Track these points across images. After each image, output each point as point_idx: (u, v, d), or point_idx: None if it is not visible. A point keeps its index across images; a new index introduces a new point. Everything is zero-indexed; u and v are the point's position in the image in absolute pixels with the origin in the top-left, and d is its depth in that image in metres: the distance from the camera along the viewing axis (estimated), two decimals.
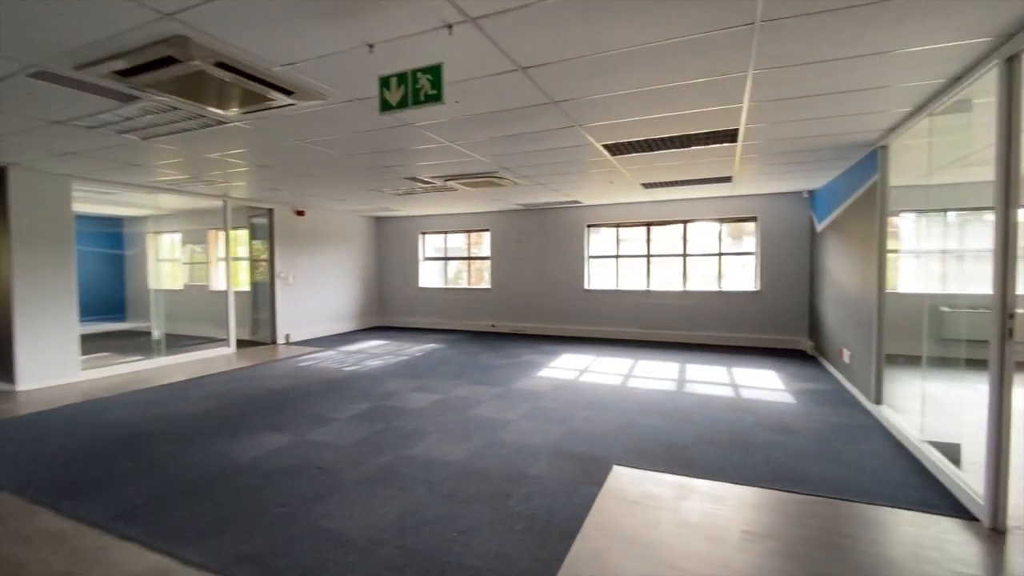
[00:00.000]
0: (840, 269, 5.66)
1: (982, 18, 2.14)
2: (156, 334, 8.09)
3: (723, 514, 2.60)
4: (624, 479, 3.03)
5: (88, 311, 10.01)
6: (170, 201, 8.31)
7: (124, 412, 4.54)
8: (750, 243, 8.06)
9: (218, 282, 9.55)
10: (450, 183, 6.06)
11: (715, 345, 7.83)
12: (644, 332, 8.44)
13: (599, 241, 9.09)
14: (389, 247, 10.64)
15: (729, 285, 8.15)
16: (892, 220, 4.33)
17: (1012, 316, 2.37)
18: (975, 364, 3.55)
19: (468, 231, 10.04)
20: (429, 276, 10.58)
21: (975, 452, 2.87)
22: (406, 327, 10.32)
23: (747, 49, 2.42)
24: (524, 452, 3.45)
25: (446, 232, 10.25)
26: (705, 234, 8.32)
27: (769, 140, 4.23)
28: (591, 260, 9.03)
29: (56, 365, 5.65)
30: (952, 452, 3.08)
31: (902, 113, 3.50)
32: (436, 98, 2.20)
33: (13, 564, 2.24)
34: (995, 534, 2.37)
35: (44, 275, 5.56)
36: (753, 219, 7.86)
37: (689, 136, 4.04)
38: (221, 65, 2.58)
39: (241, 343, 8.26)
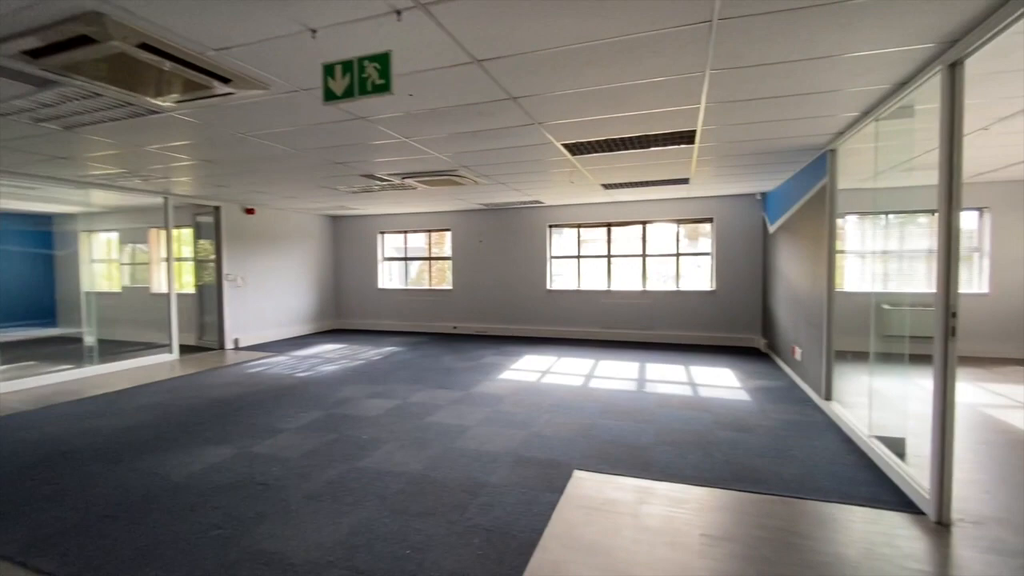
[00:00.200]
0: (791, 269, 5.82)
1: (927, 24, 2.19)
2: (89, 340, 7.50)
3: (683, 517, 2.58)
4: (585, 485, 2.97)
5: (11, 316, 9.22)
6: (106, 197, 7.74)
7: (47, 428, 4.15)
8: (706, 244, 8.23)
9: (160, 284, 8.97)
10: (408, 181, 5.88)
11: (673, 344, 7.95)
12: (605, 332, 8.49)
13: (561, 241, 9.09)
14: (346, 247, 10.30)
15: (686, 285, 8.31)
16: (838, 222, 4.48)
17: (955, 315, 2.44)
18: (917, 359, 3.69)
19: (429, 231, 9.84)
20: (389, 277, 10.32)
21: (918, 446, 2.97)
22: (365, 330, 10.01)
23: (704, 48, 2.40)
24: (483, 460, 3.34)
25: (406, 232, 10.01)
26: (663, 235, 8.45)
27: (725, 142, 4.29)
28: (553, 260, 9.01)
29: None
30: (897, 446, 3.19)
31: (850, 117, 3.60)
32: (384, 88, 2.06)
33: None
34: (941, 527, 2.44)
35: None
36: (709, 220, 8.03)
37: (648, 137, 4.04)
38: (146, 47, 2.35)
39: (186, 349, 7.78)
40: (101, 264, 9.91)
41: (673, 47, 2.39)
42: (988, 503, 2.69)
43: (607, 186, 6.51)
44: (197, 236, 8.36)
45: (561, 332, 8.75)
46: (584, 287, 8.79)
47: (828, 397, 4.44)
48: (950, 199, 2.44)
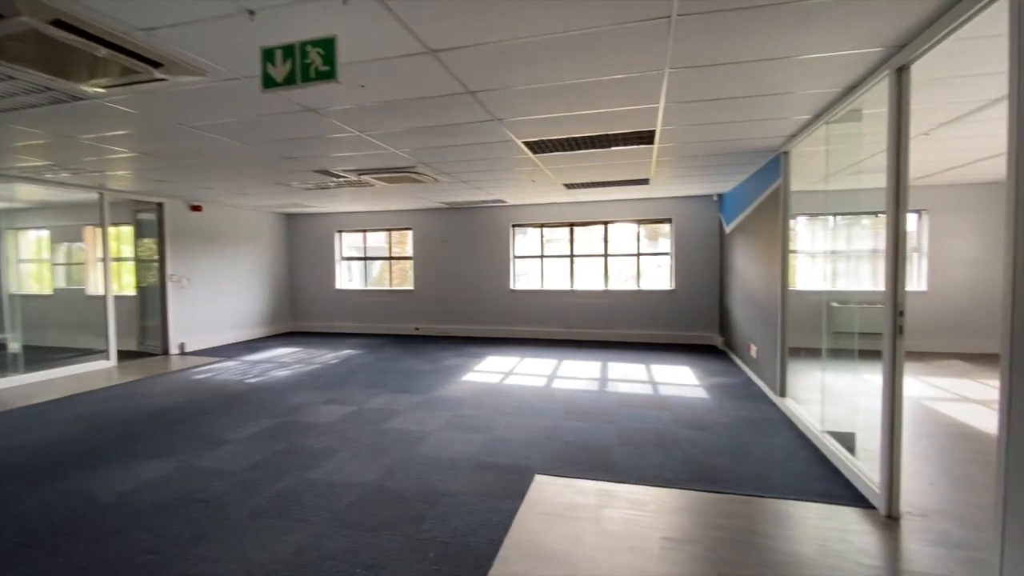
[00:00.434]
0: (747, 268, 5.96)
1: (876, 29, 2.23)
2: (13, 347, 6.91)
3: (644, 521, 2.54)
4: (546, 489, 2.90)
5: None
6: (32, 192, 7.15)
7: None
8: (666, 244, 8.37)
9: (97, 286, 8.38)
10: (365, 178, 5.68)
11: (635, 342, 8.03)
12: (568, 331, 8.49)
13: (526, 241, 9.04)
14: (302, 246, 9.92)
15: (647, 284, 8.42)
16: (791, 223, 4.59)
17: (902, 313, 2.51)
18: (865, 355, 3.81)
19: (389, 229, 9.60)
20: (348, 278, 10.00)
21: (867, 439, 3.05)
22: (322, 332, 9.67)
23: (664, 45, 2.37)
24: (442, 467, 3.23)
25: (365, 230, 9.72)
26: (625, 235, 8.53)
27: (683, 143, 4.32)
28: (517, 260, 8.95)
29: None
30: (848, 441, 3.27)
31: (802, 120, 3.68)
32: (329, 75, 1.92)
33: None
34: (891, 521, 2.50)
35: None
36: (668, 221, 8.16)
37: (609, 136, 4.02)
38: (61, 25, 2.13)
39: (125, 355, 7.29)
40: (30, 264, 9.17)
41: (632, 43, 2.34)
42: (932, 496, 2.78)
43: (569, 186, 6.50)
44: (138, 234, 7.85)
45: (525, 332, 8.70)
46: (547, 287, 8.77)
47: (783, 393, 4.55)
48: (897, 201, 2.50)
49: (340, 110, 3.32)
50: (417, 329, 9.26)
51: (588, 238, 8.76)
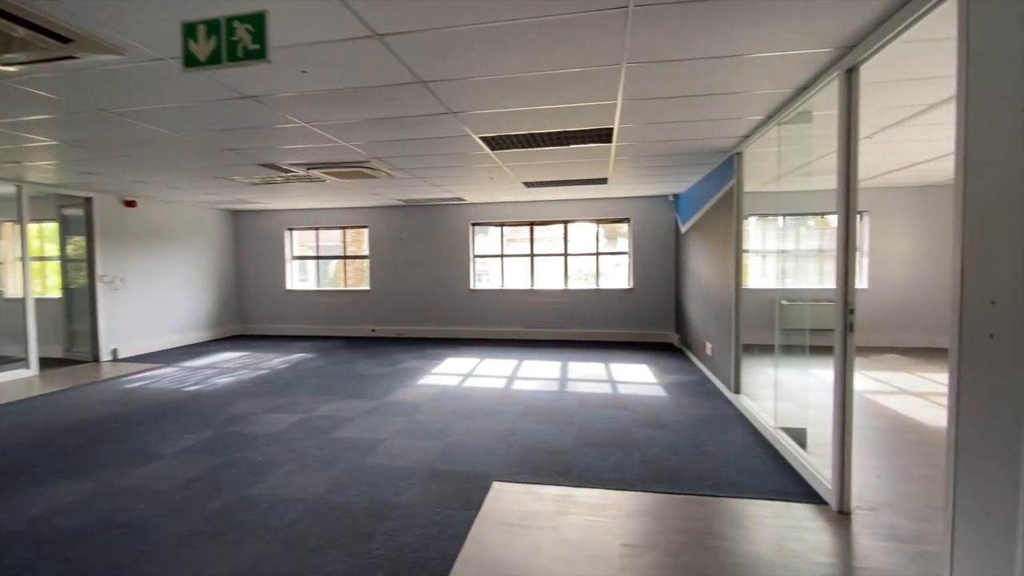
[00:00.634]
0: (702, 268, 6.06)
1: (828, 28, 2.24)
2: None
3: (604, 527, 2.48)
4: (504, 497, 2.80)
5: None
6: None
7: None
8: (624, 244, 8.44)
9: (16, 287, 7.66)
10: (315, 173, 5.41)
11: (594, 341, 8.06)
12: (528, 331, 8.43)
13: (486, 241, 8.92)
14: (250, 245, 9.42)
15: (606, 283, 8.47)
16: (745, 222, 4.68)
17: (852, 311, 2.54)
18: (816, 351, 3.91)
19: (344, 227, 9.25)
20: (299, 277, 9.58)
21: (818, 434, 3.11)
22: (272, 335, 9.22)
23: (621, 36, 2.30)
24: (394, 477, 3.06)
25: (318, 228, 9.33)
26: (584, 234, 8.55)
27: (640, 142, 4.31)
28: (477, 259, 8.82)
29: None
30: (799, 436, 3.33)
31: (755, 121, 3.73)
32: (259, 55, 1.74)
33: None
34: (842, 517, 2.53)
35: None
36: (626, 220, 8.23)
37: (567, 133, 3.96)
38: None
39: (48, 363, 6.69)
40: None
41: (590, 34, 2.27)
42: (880, 489, 2.85)
43: (529, 184, 6.42)
44: (65, 232, 7.23)
45: (485, 332, 8.58)
46: (508, 287, 8.68)
47: (737, 390, 4.63)
48: (847, 201, 2.54)
49: (282, 98, 3.09)
50: (373, 331, 8.97)
51: (548, 237, 8.74)
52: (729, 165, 4.82)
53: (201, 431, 3.97)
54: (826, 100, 2.89)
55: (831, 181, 2.70)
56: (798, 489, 2.85)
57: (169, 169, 5.33)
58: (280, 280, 9.30)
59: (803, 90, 3.00)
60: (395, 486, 2.93)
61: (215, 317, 8.95)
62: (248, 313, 9.46)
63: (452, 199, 7.89)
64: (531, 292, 8.46)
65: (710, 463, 3.25)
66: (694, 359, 6.51)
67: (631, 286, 8.16)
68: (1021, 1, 1.41)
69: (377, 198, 7.71)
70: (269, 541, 2.38)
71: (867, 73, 2.56)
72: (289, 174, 5.51)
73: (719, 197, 5.25)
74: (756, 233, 7.54)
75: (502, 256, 8.80)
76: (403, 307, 8.87)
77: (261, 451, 3.53)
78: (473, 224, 8.65)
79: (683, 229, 7.37)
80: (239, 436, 3.85)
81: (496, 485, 2.94)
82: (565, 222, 8.40)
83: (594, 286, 8.43)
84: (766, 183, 4.75)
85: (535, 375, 5.79)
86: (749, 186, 4.59)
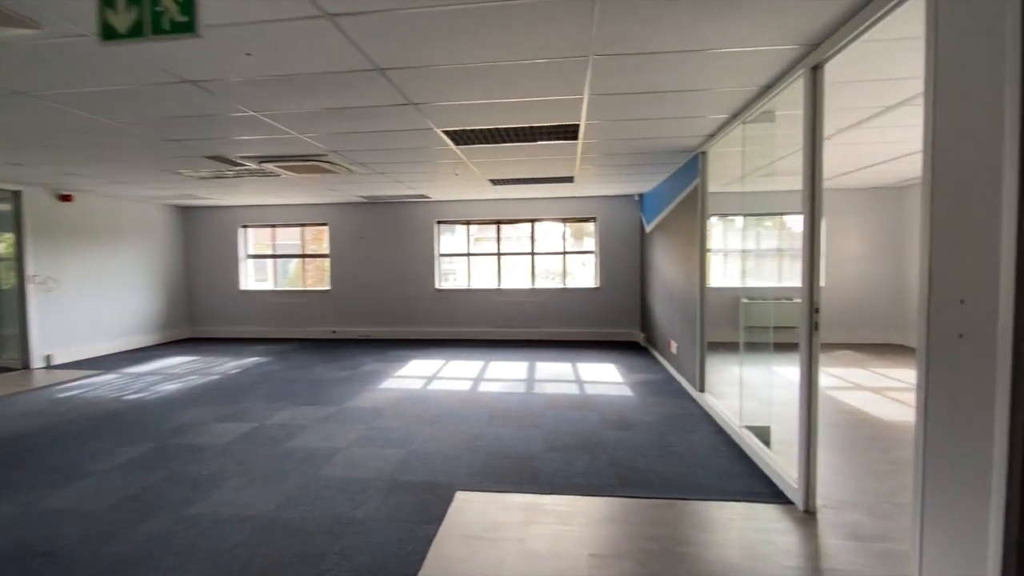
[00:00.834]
0: (667, 267, 6.09)
1: (795, 24, 2.21)
2: None
3: (572, 536, 2.39)
4: (468, 508, 2.67)
5: None
6: None
7: None
8: (590, 243, 8.44)
9: None
10: (268, 166, 5.12)
11: (561, 340, 8.02)
12: (496, 331, 8.31)
13: (453, 240, 8.74)
14: (201, 243, 8.93)
15: (573, 283, 8.44)
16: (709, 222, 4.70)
17: (817, 311, 2.54)
18: (779, 348, 3.94)
19: (302, 225, 8.88)
20: (255, 277, 9.15)
21: (781, 431, 3.13)
22: (225, 338, 8.76)
23: (588, 25, 2.21)
24: (351, 490, 2.89)
25: (274, 225, 8.93)
26: (551, 233, 8.50)
27: (607, 139, 4.26)
28: (442, 258, 8.63)
29: None
30: (764, 435, 3.34)
31: (720, 120, 3.72)
32: (187, 28, 1.55)
33: None
34: (808, 517, 2.53)
35: None
36: (592, 220, 8.22)
37: (534, 129, 3.85)
38: None
39: None
40: None
41: (556, 20, 2.16)
42: (842, 486, 2.87)
43: (495, 182, 6.30)
44: None
45: (450, 333, 8.41)
46: (475, 286, 8.53)
47: (702, 389, 4.64)
48: (813, 201, 2.53)
49: (226, 84, 2.86)
50: (334, 332, 8.65)
51: (516, 236, 8.65)
52: (694, 165, 4.83)
53: (140, 444, 3.68)
54: (790, 99, 2.89)
55: (794, 182, 2.70)
56: (764, 489, 2.84)
57: (107, 161, 4.94)
58: (234, 280, 8.85)
59: (768, 88, 2.99)
60: (352, 499, 2.76)
61: (163, 319, 8.43)
62: (199, 315, 8.97)
63: (416, 196, 7.68)
64: (498, 291, 8.35)
65: (677, 464, 3.21)
66: (659, 358, 6.54)
67: (598, 285, 8.16)
68: None
69: (337, 194, 7.43)
70: (209, 567, 2.17)
71: (828, 73, 2.56)
72: (240, 167, 5.21)
73: (683, 197, 5.27)
74: (720, 232, 7.68)
75: (468, 255, 8.65)
76: (365, 308, 8.59)
77: (206, 465, 3.28)
78: (438, 222, 8.47)
79: (648, 228, 7.40)
80: (183, 448, 3.57)
81: (460, 495, 2.80)
82: (532, 221, 8.32)
83: (561, 285, 8.39)
84: (729, 183, 4.79)
85: (502, 376, 5.68)
86: (713, 186, 4.61)
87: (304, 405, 4.61)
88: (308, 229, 8.95)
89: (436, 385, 5.33)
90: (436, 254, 8.48)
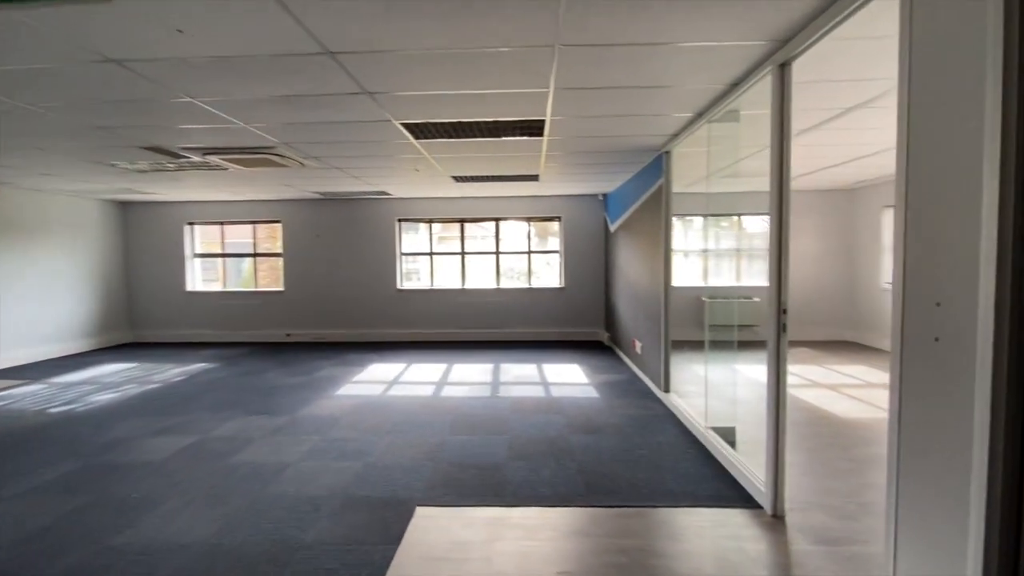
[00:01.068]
0: (631, 267, 6.07)
1: (762, 18, 2.15)
2: None
3: (539, 552, 2.26)
4: (429, 525, 2.50)
5: None
6: None
7: None
8: (555, 242, 8.37)
9: None
10: (213, 159, 4.77)
11: (526, 341, 7.92)
12: (460, 332, 8.13)
13: (416, 239, 8.49)
14: (142, 241, 8.33)
15: (538, 282, 8.36)
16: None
17: (785, 311, 2.51)
18: (743, 346, 3.95)
19: (254, 222, 8.43)
20: (202, 277, 8.62)
21: (746, 432, 3.11)
22: (169, 343, 8.21)
23: (555, 10, 2.08)
24: (301, 509, 2.67)
25: (223, 223, 8.44)
26: (516, 233, 8.39)
27: (572, 136, 4.17)
28: (404, 257, 8.37)
29: None
30: (729, 435, 3.32)
31: (685, 118, 3.68)
32: None
33: None
34: (777, 521, 2.49)
35: None
36: (557, 219, 8.16)
37: (498, 124, 3.71)
38: None
39: None
40: None
41: (520, 3, 2.02)
42: (807, 487, 2.87)
43: (458, 179, 6.12)
44: None
45: (413, 335, 8.16)
46: (438, 286, 8.32)
47: (667, 389, 4.62)
48: (781, 201, 2.50)
49: (156, 64, 2.58)
50: (289, 336, 8.25)
51: (481, 236, 8.49)
52: (658, 164, 4.80)
53: (63, 463, 3.32)
54: (756, 99, 2.86)
55: (758, 183, 2.67)
56: (732, 492, 2.80)
57: (28, 151, 4.48)
58: (179, 281, 8.31)
59: (735, 86, 2.95)
60: (301, 520, 2.54)
61: (99, 323, 7.82)
62: (140, 318, 8.37)
63: (375, 193, 7.40)
64: (462, 292, 8.16)
65: (645, 469, 3.14)
66: (624, 357, 6.53)
67: (562, 285, 8.10)
68: None
69: (291, 190, 7.06)
70: None
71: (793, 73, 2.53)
72: (182, 160, 4.83)
73: (648, 196, 5.25)
74: (683, 232, 7.75)
75: (431, 254, 8.43)
76: (322, 309, 8.24)
77: (139, 485, 2.98)
78: (400, 220, 8.20)
79: (612, 228, 7.39)
80: (112, 467, 3.24)
81: (420, 511, 2.63)
82: (497, 220, 8.18)
83: (526, 285, 8.28)
84: (690, 184, 4.78)
85: (466, 380, 5.51)
86: (677, 186, 4.60)
87: (253, 415, 4.31)
88: (261, 227, 8.50)
89: (397, 391, 5.11)
90: (398, 253, 8.22)
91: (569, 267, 8.08)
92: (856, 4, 1.89)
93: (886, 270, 6.97)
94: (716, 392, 3.71)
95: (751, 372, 4.46)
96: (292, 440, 3.68)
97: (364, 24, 2.16)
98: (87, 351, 7.47)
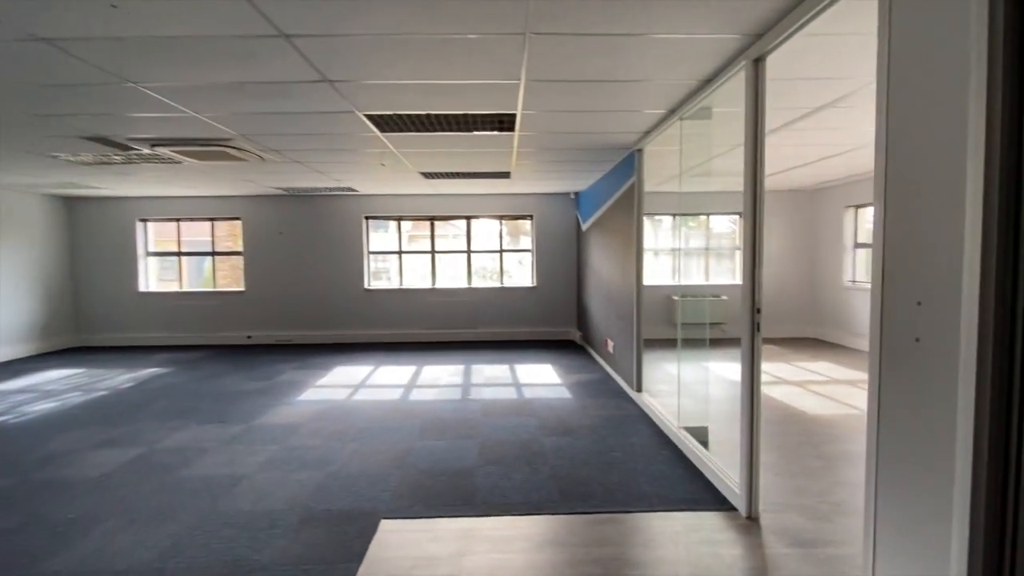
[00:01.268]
0: (603, 266, 6.04)
1: (736, 12, 2.10)
2: None
3: (512, 566, 2.16)
4: (394, 540, 2.37)
5: None
6: None
7: None
8: (527, 241, 8.29)
9: None
10: (163, 151, 4.48)
11: (498, 341, 7.81)
12: (430, 333, 7.95)
13: (386, 237, 8.26)
14: (89, 239, 7.83)
15: (510, 281, 8.26)
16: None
17: (759, 311, 2.47)
18: (715, 344, 3.94)
19: (212, 219, 8.04)
20: (157, 277, 8.18)
21: (719, 432, 3.09)
22: (119, 346, 7.75)
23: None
24: (256, 526, 2.49)
25: (179, 220, 8.01)
26: (488, 231, 8.27)
27: (544, 132, 4.08)
28: (372, 256, 8.14)
29: None
30: (701, 435, 3.29)
31: (657, 115, 3.64)
32: None
33: None
34: (751, 523, 2.46)
35: None
36: (529, 217, 8.08)
37: (468, 118, 3.58)
38: None
39: None
40: None
41: None
42: (779, 486, 2.85)
43: (427, 175, 5.96)
44: None
45: (381, 336, 7.94)
46: (408, 286, 8.12)
47: (639, 388, 4.59)
48: (755, 199, 2.46)
49: (90, 44, 2.36)
50: (249, 338, 7.91)
51: (452, 234, 8.33)
52: (630, 162, 4.77)
53: None
54: (729, 96, 2.83)
55: (730, 182, 2.63)
56: (707, 495, 2.76)
57: None
58: (130, 281, 7.85)
59: (708, 82, 2.91)
60: (255, 539, 2.36)
61: (41, 327, 7.30)
62: (88, 321, 7.87)
63: (341, 189, 7.15)
64: (433, 291, 7.99)
65: (619, 472, 3.08)
66: (596, 357, 6.50)
67: (534, 284, 8.02)
68: None
69: (252, 185, 6.75)
70: None
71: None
72: (130, 151, 4.52)
73: (620, 195, 5.22)
74: (653, 232, 7.78)
75: (400, 253, 8.22)
76: (285, 310, 7.92)
77: (76, 504, 2.73)
78: (367, 217, 7.97)
79: (584, 227, 7.36)
80: (48, 485, 2.97)
81: (385, 524, 2.49)
82: (468, 218, 8.04)
83: (498, 284, 8.17)
84: (661, 183, 4.76)
85: (436, 382, 5.36)
86: (649, 185, 4.57)
87: (207, 423, 4.05)
88: (220, 224, 8.12)
89: (363, 395, 4.92)
90: (365, 252, 7.98)
91: (541, 266, 8.01)
92: None
93: (848, 268, 7.17)
94: (688, 391, 3.69)
95: (722, 370, 4.48)
96: (248, 450, 3.47)
97: (323, 5, 2.01)
98: (27, 357, 6.96)
